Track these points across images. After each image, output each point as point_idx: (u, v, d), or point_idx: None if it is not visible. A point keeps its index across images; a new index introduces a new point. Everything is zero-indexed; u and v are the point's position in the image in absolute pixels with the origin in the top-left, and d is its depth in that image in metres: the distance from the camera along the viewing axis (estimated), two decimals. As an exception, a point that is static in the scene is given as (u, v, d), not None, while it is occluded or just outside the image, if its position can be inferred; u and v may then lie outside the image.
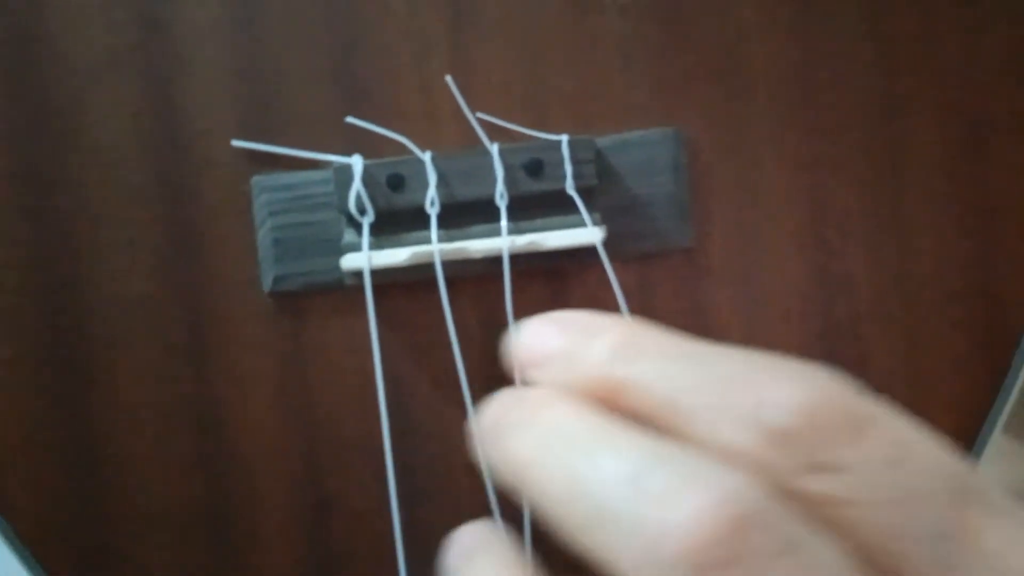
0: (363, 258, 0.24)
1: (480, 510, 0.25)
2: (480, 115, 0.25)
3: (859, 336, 0.25)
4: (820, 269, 0.25)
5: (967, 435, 0.25)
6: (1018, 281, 0.25)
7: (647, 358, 0.16)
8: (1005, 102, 0.24)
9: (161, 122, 0.26)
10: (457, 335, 0.25)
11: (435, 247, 0.24)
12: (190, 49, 0.25)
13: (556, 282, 0.25)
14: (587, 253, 0.24)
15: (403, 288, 0.25)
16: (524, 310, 0.25)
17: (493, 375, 0.25)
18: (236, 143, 0.25)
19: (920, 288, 0.25)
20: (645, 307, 0.25)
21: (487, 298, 0.25)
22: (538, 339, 0.18)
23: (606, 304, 0.25)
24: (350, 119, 0.25)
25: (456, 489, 0.25)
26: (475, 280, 0.25)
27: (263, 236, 0.25)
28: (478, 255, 0.24)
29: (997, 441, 0.25)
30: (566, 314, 0.18)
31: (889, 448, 0.12)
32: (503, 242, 0.24)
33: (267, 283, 0.25)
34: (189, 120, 0.26)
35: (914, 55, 0.24)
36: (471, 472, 0.25)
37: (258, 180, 0.25)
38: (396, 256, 0.24)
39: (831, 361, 0.25)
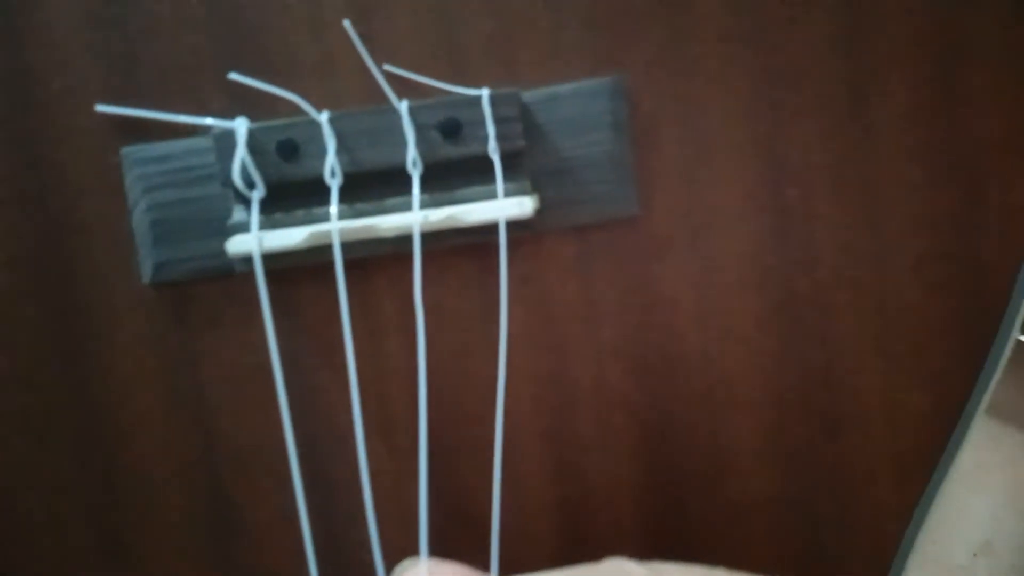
0: (252, 241, 0.20)
1: (393, 520, 0.22)
2: (387, 67, 0.21)
3: (824, 306, 0.22)
4: (779, 232, 0.22)
5: (947, 415, 0.22)
6: (1001, 239, 0.22)
7: None
8: (980, 29, 0.21)
9: (9, 84, 0.21)
10: (372, 325, 0.22)
11: (334, 226, 0.20)
12: (39, -6, 0.21)
13: (485, 257, 0.22)
14: (518, 223, 0.21)
15: (304, 271, 0.22)
16: (451, 290, 0.22)
17: (412, 367, 0.22)
18: (100, 108, 0.21)
19: (891, 250, 0.22)
20: (585, 282, 0.22)
21: (405, 279, 0.22)
22: None
23: (544, 281, 0.22)
24: (233, 75, 0.21)
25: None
26: (390, 259, 0.22)
27: (138, 217, 0.22)
28: (388, 234, 0.20)
29: (982, 423, 0.22)
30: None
31: None
32: (415, 218, 0.20)
33: (146, 272, 0.22)
34: (44, 80, 0.22)
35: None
36: (384, 479, 0.22)
37: (129, 151, 0.22)
38: (291, 237, 0.20)
39: (794, 336, 0.22)
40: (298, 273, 0.22)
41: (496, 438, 0.22)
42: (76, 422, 0.22)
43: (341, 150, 0.21)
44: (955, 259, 0.22)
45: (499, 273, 0.22)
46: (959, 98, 0.21)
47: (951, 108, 0.21)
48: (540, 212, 0.21)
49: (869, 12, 0.21)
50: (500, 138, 0.21)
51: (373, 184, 0.21)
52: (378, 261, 0.22)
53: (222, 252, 0.22)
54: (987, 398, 0.22)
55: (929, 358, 0.22)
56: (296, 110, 0.21)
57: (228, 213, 0.22)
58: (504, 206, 0.20)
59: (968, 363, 0.22)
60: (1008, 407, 0.23)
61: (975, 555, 0.25)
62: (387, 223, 0.20)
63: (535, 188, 0.22)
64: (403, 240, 0.21)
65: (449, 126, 0.21)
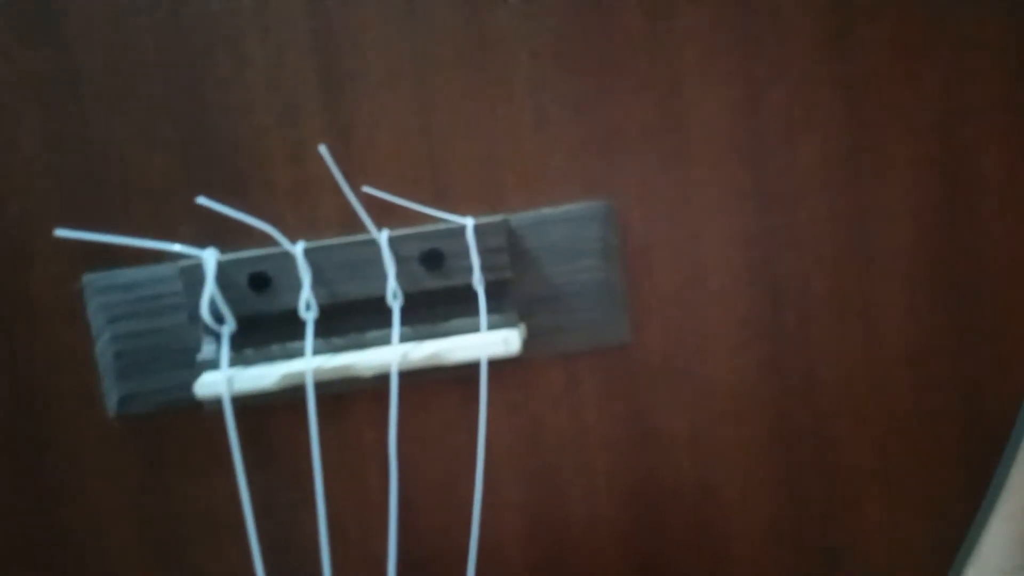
0: (222, 383, 0.19)
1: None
2: (366, 189, 0.20)
3: (823, 435, 0.21)
4: (775, 362, 0.21)
5: (949, 544, 0.21)
6: (1001, 368, 0.21)
7: None
8: (990, 161, 0.20)
9: (-36, 207, 0.20)
10: (351, 457, 0.21)
11: (308, 366, 0.19)
12: (-1, 111, 0.20)
13: (470, 385, 0.21)
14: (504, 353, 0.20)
15: (277, 405, 0.21)
16: (432, 420, 0.21)
17: (397, 499, 0.21)
18: (59, 232, 0.20)
19: (891, 378, 0.21)
20: (576, 412, 0.21)
21: (385, 407, 0.21)
22: None
23: (534, 410, 0.21)
24: (201, 199, 0.20)
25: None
26: (370, 393, 0.21)
27: (102, 348, 0.20)
28: (367, 373, 0.19)
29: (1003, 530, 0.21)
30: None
31: None
32: (393, 356, 0.19)
33: (111, 404, 0.21)
34: (3, 202, 0.20)
35: (886, 104, 0.20)
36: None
37: (91, 278, 0.20)
38: (263, 379, 0.19)
39: (793, 465, 0.21)
40: (271, 407, 0.21)
41: (469, 567, 0.21)
42: (48, 558, 0.21)
43: (317, 283, 0.20)
44: (955, 387, 0.21)
45: (489, 400, 0.21)
46: (963, 226, 0.20)
47: (954, 236, 0.21)
48: (529, 340, 0.20)
49: (875, 135, 0.20)
50: (486, 269, 0.20)
51: (351, 316, 0.20)
52: (356, 396, 0.21)
53: (190, 385, 0.20)
54: (994, 521, 0.21)
55: (930, 487, 0.21)
56: (265, 238, 0.20)
57: (197, 343, 0.20)
58: (488, 342, 0.19)
59: (969, 491, 0.21)
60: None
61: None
62: (365, 362, 0.19)
63: (523, 315, 0.21)
64: (383, 376, 0.20)
65: (432, 257, 0.20)
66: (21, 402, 0.21)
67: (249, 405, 0.20)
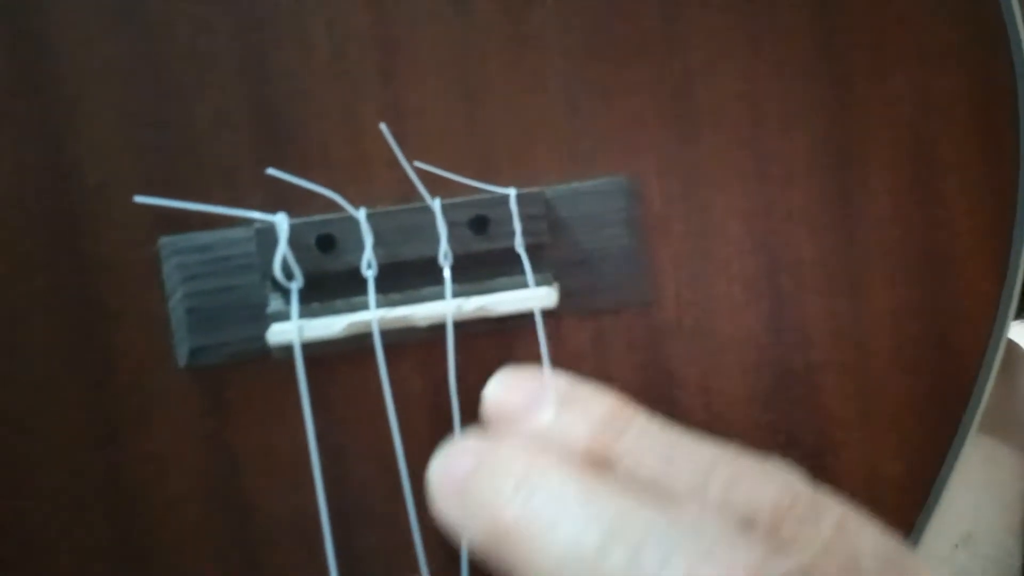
0: (293, 330, 0.21)
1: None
2: (418, 164, 0.23)
3: (814, 385, 0.24)
4: (775, 319, 0.24)
5: (920, 483, 0.25)
6: (970, 325, 0.24)
7: (635, 433, 0.18)
8: (956, 144, 0.24)
9: (50, 177, 0.22)
10: (402, 405, 0.23)
11: (373, 315, 0.22)
12: (81, 91, 0.22)
13: (505, 342, 0.24)
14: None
15: (338, 357, 0.23)
16: (473, 373, 0.23)
17: (439, 444, 0.23)
18: (139, 199, 0.22)
19: (873, 336, 0.24)
20: (601, 363, 0.24)
21: (433, 362, 0.23)
22: (518, 393, 0.19)
23: (562, 362, 0.23)
24: (271, 171, 0.22)
25: (404, 574, 0.23)
26: (419, 345, 0.23)
27: (175, 305, 0.23)
28: (423, 323, 0.22)
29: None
30: (548, 375, 0.19)
31: (836, 529, 0.15)
32: (447, 308, 0.22)
33: (182, 357, 0.23)
34: (83, 173, 0.22)
35: (867, 99, 0.24)
36: (422, 553, 0.23)
37: (167, 241, 0.23)
38: (330, 327, 0.22)
39: (787, 411, 0.24)
40: (329, 358, 0.23)
41: None
42: (112, 503, 0.23)
43: (377, 244, 0.22)
44: (929, 343, 0.24)
45: (525, 354, 0.23)
46: (934, 202, 0.24)
47: (927, 210, 0.24)
48: (560, 299, 0.23)
49: (858, 127, 0.24)
50: (526, 234, 0.22)
51: (405, 275, 0.22)
52: (406, 348, 0.23)
53: (256, 337, 0.22)
54: (958, 464, 0.24)
55: (905, 432, 0.25)
56: (328, 205, 0.22)
57: (263, 300, 0.23)
58: (536, 296, 0.22)
59: (940, 436, 0.25)
60: (985, 411, 0.25)
61: (956, 547, 0.27)
62: (422, 313, 0.22)
63: (556, 277, 0.23)
64: (433, 328, 0.22)
65: (478, 223, 0.22)
66: (96, 357, 0.23)
67: (309, 356, 0.22)
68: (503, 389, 0.20)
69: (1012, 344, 0.31)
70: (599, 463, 0.18)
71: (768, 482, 0.17)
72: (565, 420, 0.19)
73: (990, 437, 0.30)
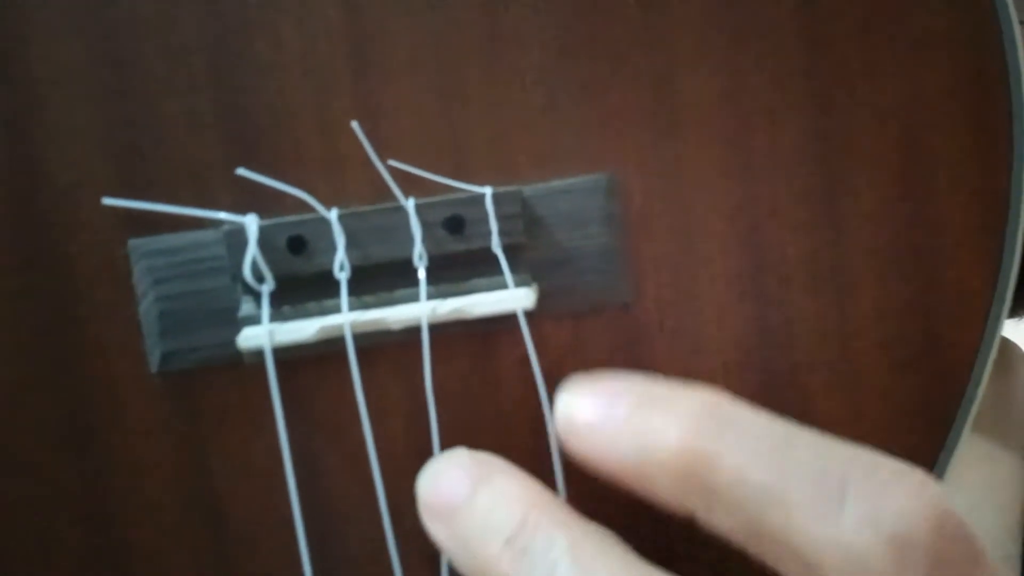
0: (263, 334, 0.21)
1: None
2: (391, 162, 0.22)
3: (799, 386, 0.24)
4: (759, 319, 0.24)
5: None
6: (959, 322, 0.24)
7: (735, 434, 0.16)
8: (946, 138, 0.23)
9: (16, 178, 0.22)
10: (377, 410, 0.23)
11: (346, 318, 0.21)
12: (48, 91, 0.22)
13: (483, 344, 0.23)
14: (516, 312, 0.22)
15: (311, 361, 0.22)
16: (450, 376, 0.23)
17: (420, 450, 0.23)
18: (107, 200, 0.22)
19: (860, 335, 0.24)
20: (581, 365, 0.23)
21: (409, 366, 0.23)
22: (596, 407, 0.18)
23: (542, 363, 0.23)
24: (241, 171, 0.22)
25: (381, 580, 0.23)
26: (394, 347, 0.23)
27: (146, 308, 0.22)
28: (397, 327, 0.21)
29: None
30: (625, 379, 0.17)
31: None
32: (422, 310, 0.21)
33: (154, 362, 0.22)
34: (51, 174, 0.22)
35: (851, 95, 0.23)
36: (397, 560, 0.23)
37: (137, 244, 0.22)
38: (302, 331, 0.21)
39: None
40: (302, 362, 0.22)
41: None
42: (84, 510, 0.22)
43: (349, 245, 0.22)
44: (918, 341, 0.24)
45: (502, 357, 0.23)
46: (923, 198, 0.23)
47: (915, 206, 0.23)
48: (539, 300, 0.23)
49: (843, 117, 0.23)
50: (503, 234, 0.22)
51: (379, 277, 0.22)
52: (381, 351, 0.23)
53: (229, 342, 0.22)
54: (951, 466, 0.24)
55: (896, 433, 0.24)
56: (300, 206, 0.22)
57: (235, 304, 0.22)
58: (513, 297, 0.21)
59: (932, 438, 0.24)
60: (980, 411, 0.24)
61: None
62: (396, 315, 0.21)
63: (534, 278, 0.23)
64: (408, 330, 0.22)
65: (454, 223, 0.22)
66: (66, 361, 0.22)
67: (281, 360, 0.22)
68: (577, 398, 0.18)
69: (1009, 343, 0.31)
70: (692, 474, 0.16)
71: (915, 499, 0.14)
72: (648, 422, 0.17)
73: (987, 438, 0.29)
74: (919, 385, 0.24)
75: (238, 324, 0.22)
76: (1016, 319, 0.32)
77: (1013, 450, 0.29)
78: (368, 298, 0.22)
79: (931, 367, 0.24)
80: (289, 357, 0.22)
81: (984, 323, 0.24)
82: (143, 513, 0.23)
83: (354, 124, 0.22)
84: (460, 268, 0.22)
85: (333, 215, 0.21)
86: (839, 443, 0.16)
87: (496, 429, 0.23)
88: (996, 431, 0.29)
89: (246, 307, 0.22)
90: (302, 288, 0.22)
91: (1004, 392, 0.30)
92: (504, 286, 0.22)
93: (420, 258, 0.22)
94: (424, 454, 0.23)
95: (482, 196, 0.22)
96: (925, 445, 0.24)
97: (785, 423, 0.17)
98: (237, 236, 0.21)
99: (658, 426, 0.17)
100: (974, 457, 0.28)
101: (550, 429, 0.22)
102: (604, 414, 0.18)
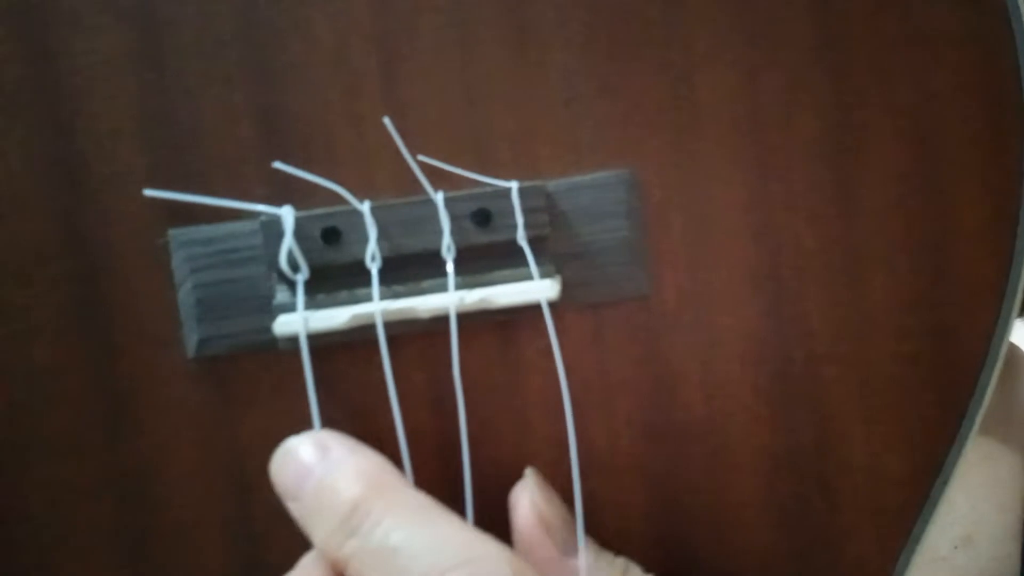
0: (298, 321, 0.22)
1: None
2: (421, 158, 0.23)
3: (815, 377, 0.25)
4: (776, 311, 0.24)
5: (923, 476, 0.25)
6: (971, 315, 0.24)
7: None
8: (958, 133, 0.24)
9: (60, 169, 0.23)
10: (403, 396, 0.23)
11: (377, 307, 0.22)
12: (89, 85, 0.23)
13: (507, 333, 0.24)
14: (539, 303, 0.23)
15: (341, 347, 0.23)
16: (474, 364, 0.24)
17: (442, 437, 0.24)
18: (148, 192, 0.23)
19: (873, 326, 0.24)
20: (601, 356, 0.24)
21: (434, 355, 0.24)
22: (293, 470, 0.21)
23: (563, 354, 0.24)
24: (278, 164, 0.23)
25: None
26: (421, 336, 0.23)
27: (184, 295, 0.23)
28: (426, 315, 0.22)
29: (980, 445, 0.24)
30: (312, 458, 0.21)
31: None
32: (451, 300, 0.22)
33: (191, 347, 0.23)
34: (93, 166, 0.23)
35: (864, 91, 0.24)
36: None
37: (176, 233, 0.23)
38: (335, 318, 0.22)
39: (788, 405, 0.25)
40: (333, 348, 0.23)
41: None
42: (120, 491, 0.23)
43: (381, 237, 0.22)
44: (930, 334, 0.24)
45: (525, 346, 0.24)
46: (933, 192, 0.24)
47: (928, 198, 0.24)
48: (561, 292, 0.23)
49: (856, 112, 0.24)
50: (528, 226, 0.23)
51: (409, 267, 0.23)
52: (407, 339, 0.23)
53: (263, 328, 0.23)
54: (964, 457, 0.25)
55: (907, 424, 0.25)
56: (332, 198, 0.23)
57: (270, 292, 0.23)
58: (538, 288, 0.22)
59: (943, 428, 0.25)
60: (983, 412, 0.25)
61: (956, 547, 0.27)
62: (425, 305, 0.22)
63: (557, 270, 0.23)
64: (436, 319, 0.23)
65: (481, 216, 0.23)
66: (105, 346, 0.23)
67: (312, 347, 0.22)
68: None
69: (1011, 345, 0.31)
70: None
71: None
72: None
73: (990, 438, 0.29)
74: (931, 377, 0.25)
75: (273, 312, 0.22)
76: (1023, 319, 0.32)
77: (1014, 450, 0.30)
78: (398, 288, 0.23)
79: (943, 359, 0.25)
80: (320, 344, 0.23)
81: (997, 314, 0.24)
82: (176, 493, 0.24)
83: (386, 120, 0.23)
84: (486, 260, 0.23)
85: (366, 207, 0.22)
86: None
87: (517, 416, 0.24)
88: (998, 431, 0.30)
89: (281, 295, 0.23)
90: (335, 277, 0.23)
91: (1007, 394, 0.30)
92: (528, 278, 0.23)
93: (448, 249, 0.22)
94: (447, 439, 0.24)
95: (508, 190, 0.23)
96: (935, 436, 0.25)
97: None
98: (274, 227, 0.22)
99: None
100: (976, 457, 0.29)
101: (568, 418, 0.23)
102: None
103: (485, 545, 0.18)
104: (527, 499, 0.23)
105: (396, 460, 0.23)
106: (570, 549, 0.22)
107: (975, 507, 0.29)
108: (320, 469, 0.20)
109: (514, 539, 0.23)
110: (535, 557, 0.22)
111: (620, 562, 0.23)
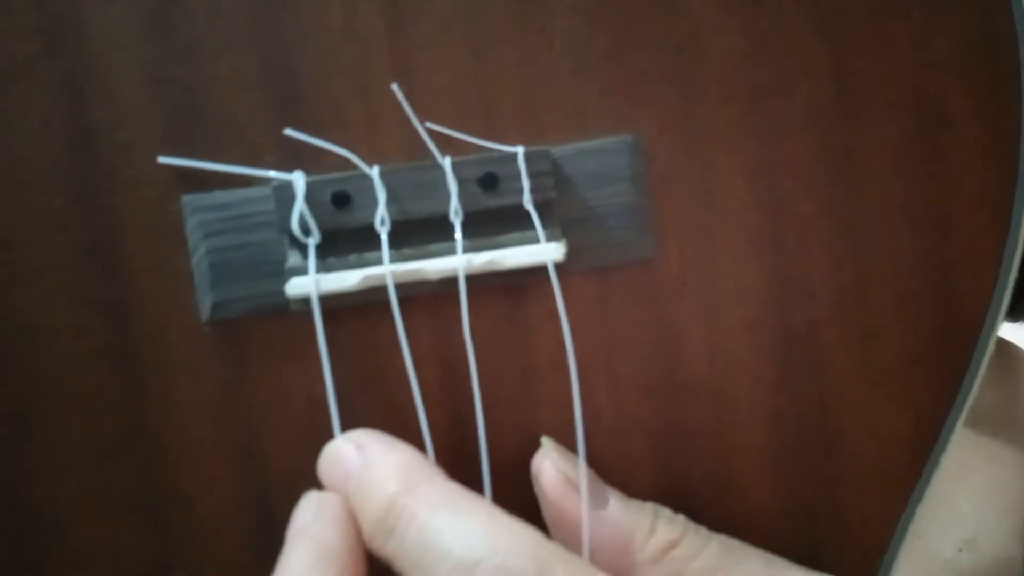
0: (310, 283, 0.22)
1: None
2: (428, 124, 0.23)
3: (817, 340, 0.25)
4: (778, 274, 0.25)
5: (925, 434, 0.25)
6: (971, 278, 0.25)
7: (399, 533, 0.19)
8: (958, 98, 0.24)
9: (75, 136, 0.23)
10: (413, 357, 0.24)
11: (387, 269, 0.22)
12: (103, 53, 0.23)
13: (514, 297, 0.24)
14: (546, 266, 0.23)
15: (352, 310, 0.24)
16: (481, 327, 0.24)
17: (449, 398, 0.24)
18: (162, 159, 0.23)
19: (875, 289, 0.25)
20: (606, 319, 0.25)
21: (442, 317, 0.24)
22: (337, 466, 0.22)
23: (569, 317, 0.24)
24: (289, 131, 0.23)
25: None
26: (429, 299, 0.24)
27: (198, 260, 0.24)
28: (434, 277, 0.23)
29: (965, 428, 0.25)
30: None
31: None
32: (459, 262, 0.23)
33: (205, 310, 0.24)
34: (107, 133, 0.23)
35: (866, 55, 0.24)
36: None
37: (190, 199, 0.23)
38: (346, 280, 0.22)
39: (791, 366, 0.25)
40: (344, 312, 0.24)
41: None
42: (134, 451, 0.24)
43: (390, 201, 0.23)
44: (931, 297, 0.25)
45: (532, 309, 0.24)
46: (936, 157, 0.24)
47: (929, 166, 0.24)
48: (567, 255, 0.24)
49: (858, 81, 0.24)
50: (534, 190, 0.23)
51: (417, 231, 0.23)
52: (416, 301, 0.24)
53: (275, 292, 0.23)
54: (963, 418, 0.25)
55: (909, 384, 0.25)
56: (342, 163, 0.23)
57: (282, 256, 0.24)
58: (544, 250, 0.22)
59: (943, 388, 0.25)
60: (987, 414, 0.25)
61: (960, 550, 0.28)
62: (434, 267, 0.23)
63: (563, 234, 0.24)
64: (443, 282, 0.23)
65: (488, 180, 0.23)
66: (120, 310, 0.24)
67: (324, 309, 0.23)
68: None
69: (1013, 347, 0.32)
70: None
71: None
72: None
73: (993, 440, 0.30)
74: (931, 340, 0.25)
75: (285, 275, 0.23)
76: (1019, 323, 0.32)
77: (1018, 453, 0.30)
78: (407, 251, 0.23)
79: (943, 323, 0.25)
80: (332, 306, 0.23)
81: (996, 278, 0.25)
82: (189, 455, 0.24)
83: (395, 87, 0.23)
84: (493, 224, 0.23)
85: (375, 172, 0.23)
86: None
87: (524, 377, 0.25)
88: (1001, 434, 0.30)
89: (293, 259, 0.23)
90: (345, 241, 0.23)
91: (1009, 395, 0.30)
92: (534, 241, 0.23)
93: (456, 213, 0.23)
94: (454, 400, 0.24)
95: (514, 155, 0.23)
96: (936, 399, 0.25)
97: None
98: (285, 192, 0.23)
99: None
100: (979, 459, 0.29)
101: (573, 379, 0.23)
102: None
103: (512, 533, 0.19)
104: (549, 463, 0.23)
105: (409, 422, 0.24)
106: (598, 501, 0.23)
107: (979, 510, 0.29)
108: (358, 470, 0.21)
109: (542, 502, 0.23)
110: (567, 515, 0.22)
111: (650, 506, 0.23)
